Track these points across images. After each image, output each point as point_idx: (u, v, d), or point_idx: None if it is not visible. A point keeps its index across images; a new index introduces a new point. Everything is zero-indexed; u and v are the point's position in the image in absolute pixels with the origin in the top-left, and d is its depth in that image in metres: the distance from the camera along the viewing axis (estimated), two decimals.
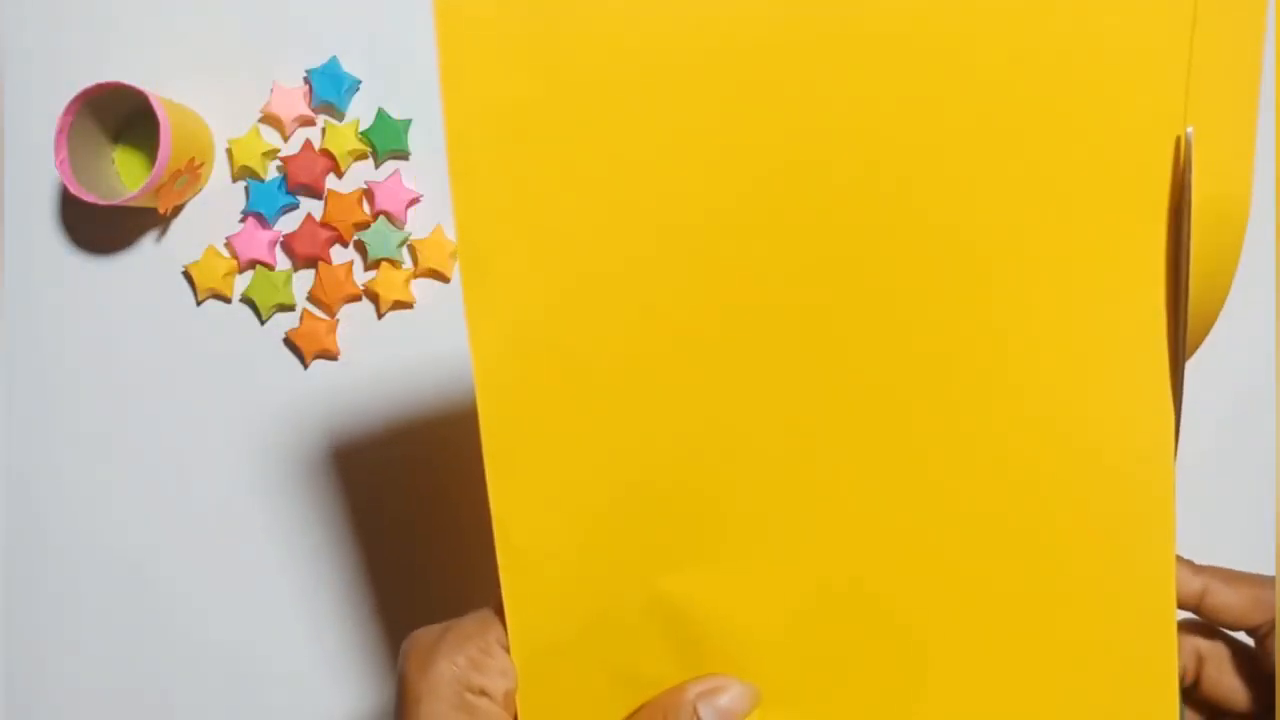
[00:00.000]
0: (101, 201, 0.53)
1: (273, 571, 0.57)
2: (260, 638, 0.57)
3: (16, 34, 0.58)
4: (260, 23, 0.57)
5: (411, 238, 0.56)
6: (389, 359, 0.56)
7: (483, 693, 0.30)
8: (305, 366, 0.57)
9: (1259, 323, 0.53)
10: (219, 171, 0.57)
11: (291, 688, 0.57)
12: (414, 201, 0.56)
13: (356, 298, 0.56)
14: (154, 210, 0.55)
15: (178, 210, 0.57)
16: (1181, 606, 0.30)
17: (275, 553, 0.57)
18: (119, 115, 0.56)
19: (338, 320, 0.56)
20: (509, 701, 0.31)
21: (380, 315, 0.56)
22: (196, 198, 0.57)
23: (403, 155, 0.56)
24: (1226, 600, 0.30)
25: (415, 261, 0.56)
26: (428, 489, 0.56)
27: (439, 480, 0.56)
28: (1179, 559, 0.30)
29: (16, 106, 0.58)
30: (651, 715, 0.31)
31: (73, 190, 0.52)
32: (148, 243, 0.58)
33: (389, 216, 0.55)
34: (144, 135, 0.57)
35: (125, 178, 0.57)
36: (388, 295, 0.55)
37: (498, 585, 0.31)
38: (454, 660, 0.31)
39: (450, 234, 0.55)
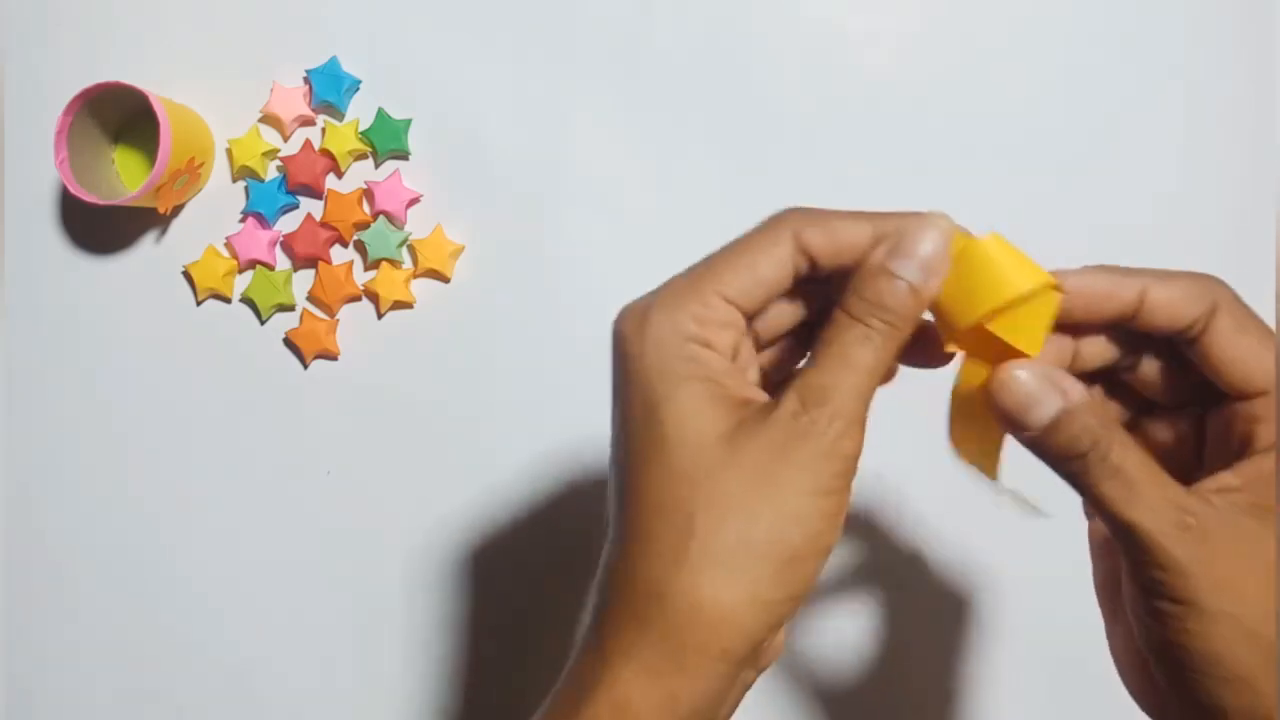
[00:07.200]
0: (101, 201, 0.53)
1: (273, 571, 0.57)
2: (260, 636, 0.57)
3: (17, 34, 0.58)
4: (260, 23, 0.57)
5: (411, 238, 0.56)
6: (389, 359, 0.56)
7: (706, 344, 0.28)
8: (305, 366, 0.57)
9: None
10: (219, 171, 0.57)
11: (290, 686, 0.57)
12: (414, 201, 0.56)
13: (356, 298, 0.56)
14: (154, 210, 0.55)
15: (178, 210, 0.57)
16: (1121, 317, 0.29)
17: (275, 552, 0.57)
18: (119, 115, 0.56)
19: (338, 320, 0.56)
20: (734, 352, 0.29)
21: (380, 315, 0.56)
22: (196, 198, 0.57)
23: (403, 155, 0.56)
24: (1165, 295, 0.29)
25: (415, 261, 0.56)
26: (428, 488, 0.56)
27: (439, 479, 0.56)
28: (1110, 266, 0.30)
29: (16, 106, 0.58)
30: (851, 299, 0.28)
31: (73, 190, 0.52)
32: (148, 243, 0.58)
33: (389, 216, 0.55)
34: (144, 135, 0.57)
35: (125, 178, 0.57)
36: (388, 295, 0.55)
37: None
38: (672, 315, 0.28)
39: (450, 233, 0.56)
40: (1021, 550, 0.51)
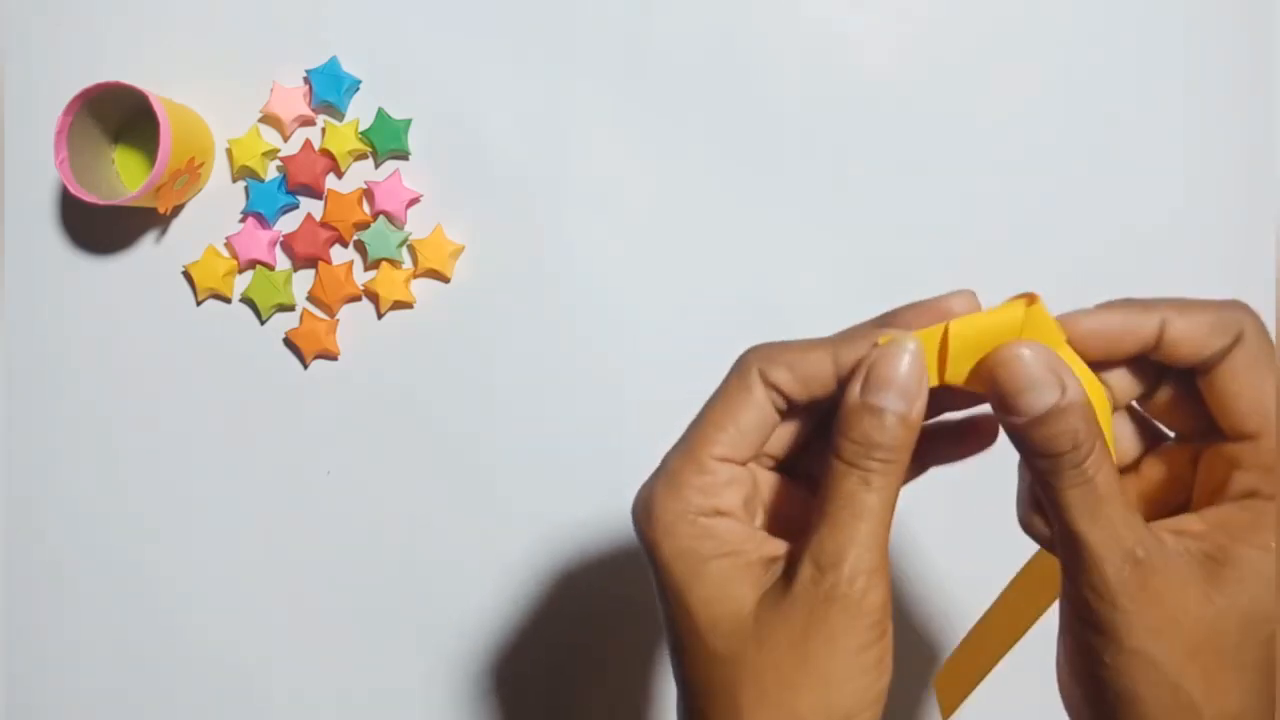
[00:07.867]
0: (101, 201, 0.53)
1: (272, 571, 0.57)
2: (259, 636, 0.57)
3: (16, 34, 0.58)
4: (260, 23, 0.57)
5: (411, 238, 0.56)
6: (389, 359, 0.56)
7: (717, 512, 0.29)
8: (305, 366, 0.57)
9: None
10: (219, 171, 0.57)
11: (289, 686, 0.57)
12: (414, 201, 0.56)
13: (356, 298, 0.56)
14: (154, 210, 0.55)
15: (178, 210, 0.57)
16: (1141, 352, 0.28)
17: (275, 553, 0.57)
18: (119, 115, 0.56)
19: (338, 320, 0.56)
20: (747, 502, 0.30)
21: (380, 315, 0.56)
22: (196, 198, 0.57)
23: (402, 155, 0.56)
24: (1186, 328, 0.27)
25: (415, 261, 0.56)
26: (428, 488, 0.56)
27: (439, 479, 0.56)
28: (1129, 300, 0.28)
29: (16, 106, 0.58)
30: (838, 433, 0.28)
31: (73, 190, 0.52)
32: (148, 243, 0.58)
33: (389, 216, 0.55)
34: (144, 135, 0.57)
35: (125, 178, 0.57)
36: (388, 295, 0.55)
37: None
38: (676, 496, 0.28)
39: (450, 233, 0.56)
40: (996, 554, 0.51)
